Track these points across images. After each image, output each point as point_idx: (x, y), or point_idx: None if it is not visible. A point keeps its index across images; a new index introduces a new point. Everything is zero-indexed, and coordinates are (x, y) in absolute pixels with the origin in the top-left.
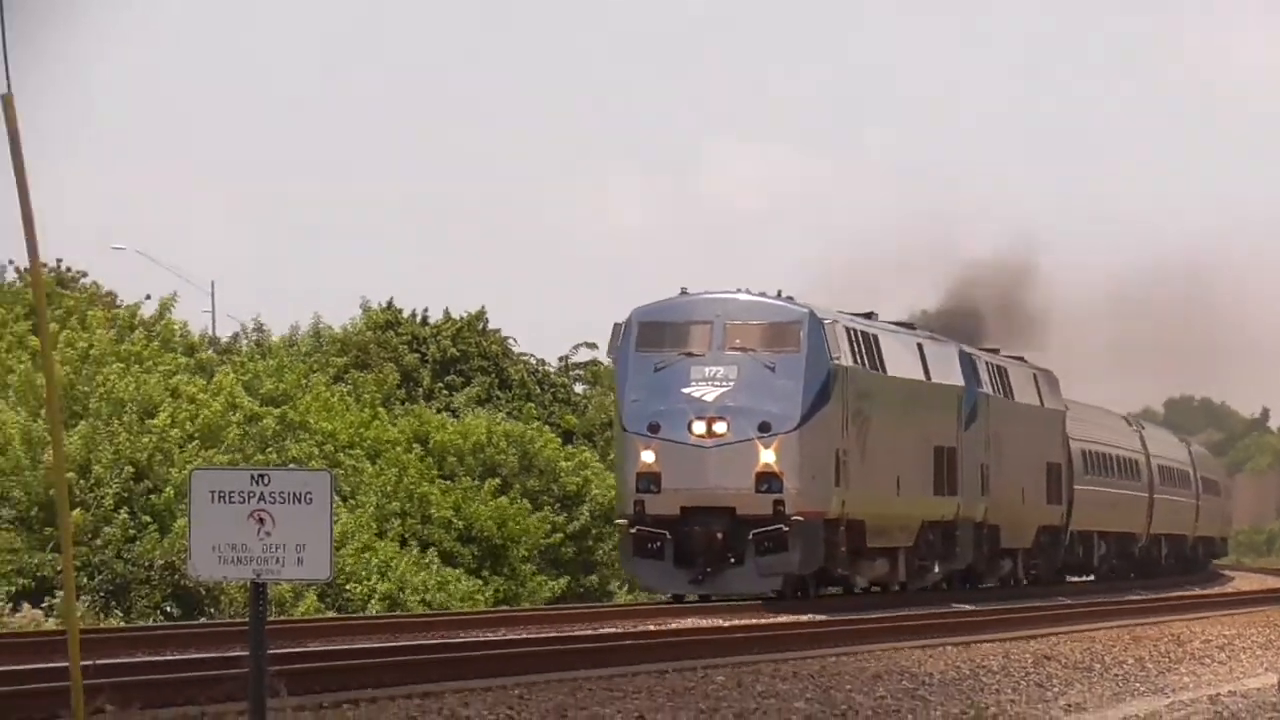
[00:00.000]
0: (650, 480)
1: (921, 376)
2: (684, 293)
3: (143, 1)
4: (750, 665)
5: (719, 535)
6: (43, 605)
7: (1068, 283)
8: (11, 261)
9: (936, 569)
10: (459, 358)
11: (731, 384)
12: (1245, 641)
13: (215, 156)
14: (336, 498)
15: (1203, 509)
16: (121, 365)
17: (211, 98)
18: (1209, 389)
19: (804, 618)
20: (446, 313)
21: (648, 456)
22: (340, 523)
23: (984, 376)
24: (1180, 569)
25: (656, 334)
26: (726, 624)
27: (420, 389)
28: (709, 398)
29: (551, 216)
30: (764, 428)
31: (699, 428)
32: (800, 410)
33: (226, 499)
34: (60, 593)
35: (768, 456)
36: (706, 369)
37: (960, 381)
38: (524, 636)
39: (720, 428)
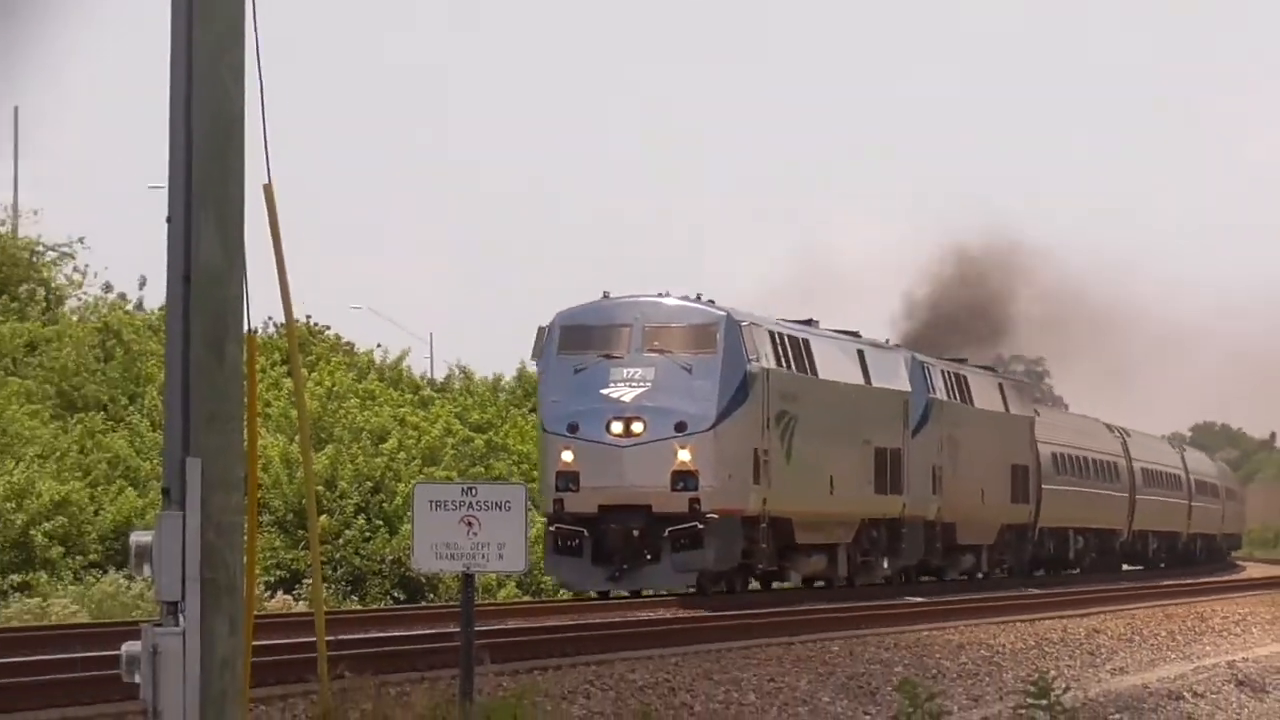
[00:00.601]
0: (569, 479)
1: (860, 381)
2: (606, 296)
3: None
4: (859, 638)
5: (635, 533)
6: (293, 592)
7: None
8: (270, 318)
9: (886, 564)
10: None
11: (649, 385)
12: (1256, 618)
13: (435, 236)
14: (530, 506)
15: (1196, 509)
16: (359, 400)
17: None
18: (1227, 416)
19: (900, 600)
20: None
21: (566, 456)
22: (535, 527)
23: (937, 383)
24: (1171, 562)
25: (577, 337)
26: (843, 605)
27: None
28: (627, 398)
29: None
30: (680, 427)
31: (617, 427)
32: (716, 410)
33: (443, 507)
34: (308, 582)
35: (684, 455)
36: (625, 370)
37: (907, 387)
38: (674, 616)
39: (637, 427)
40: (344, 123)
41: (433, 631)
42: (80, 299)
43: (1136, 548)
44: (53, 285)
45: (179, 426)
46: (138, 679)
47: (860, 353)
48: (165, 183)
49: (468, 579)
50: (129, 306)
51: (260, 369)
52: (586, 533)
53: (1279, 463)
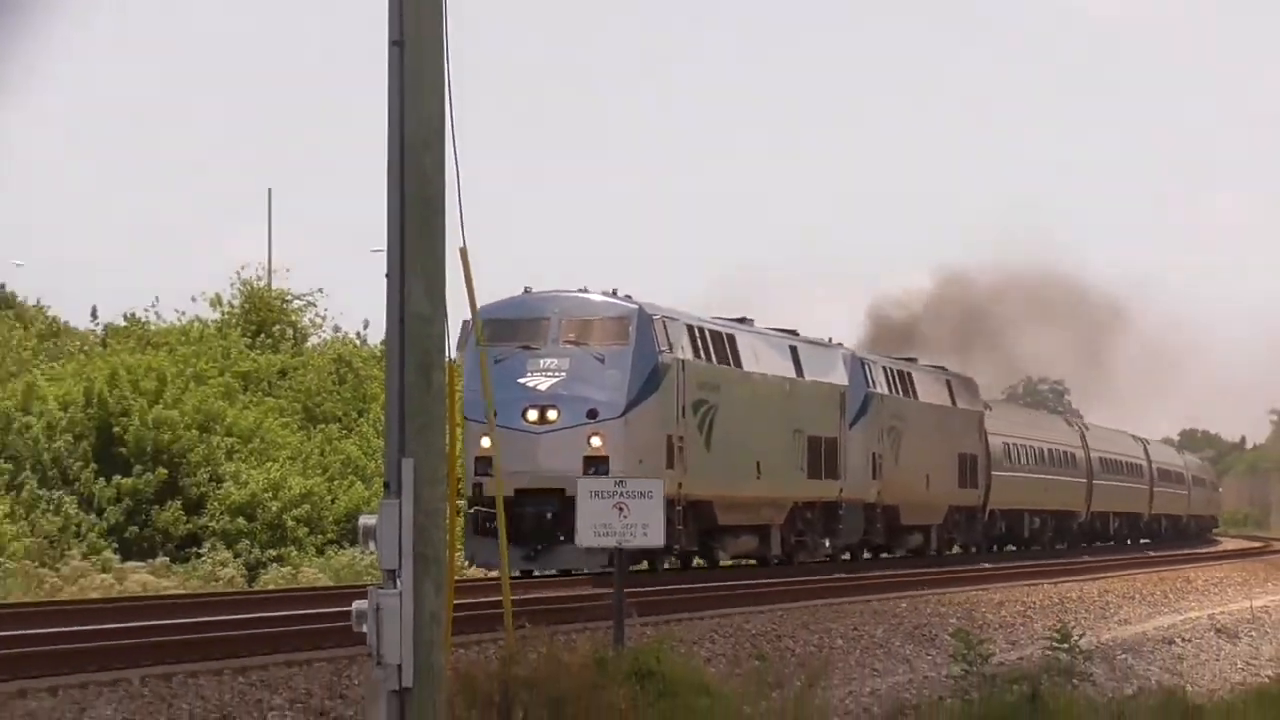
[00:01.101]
0: (487, 464)
1: (792, 374)
2: (527, 291)
3: None
4: (921, 597)
5: (550, 515)
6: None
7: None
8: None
9: (828, 544)
10: None
11: (564, 375)
12: (1230, 581)
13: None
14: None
15: (1158, 494)
16: None
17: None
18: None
19: (952, 568)
20: None
21: (485, 442)
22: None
23: (878, 379)
24: (1134, 538)
25: (498, 330)
26: (907, 571)
27: None
28: (542, 387)
29: None
30: (592, 414)
31: (532, 415)
32: (626, 398)
33: (600, 496)
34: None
35: (595, 441)
36: (542, 361)
37: (844, 381)
38: (777, 580)
39: (552, 415)
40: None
41: (592, 592)
42: (320, 336)
43: (1096, 526)
44: (299, 326)
45: (396, 435)
46: (365, 629)
47: (793, 349)
48: (384, 247)
49: (620, 551)
50: (357, 342)
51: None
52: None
53: (1249, 460)
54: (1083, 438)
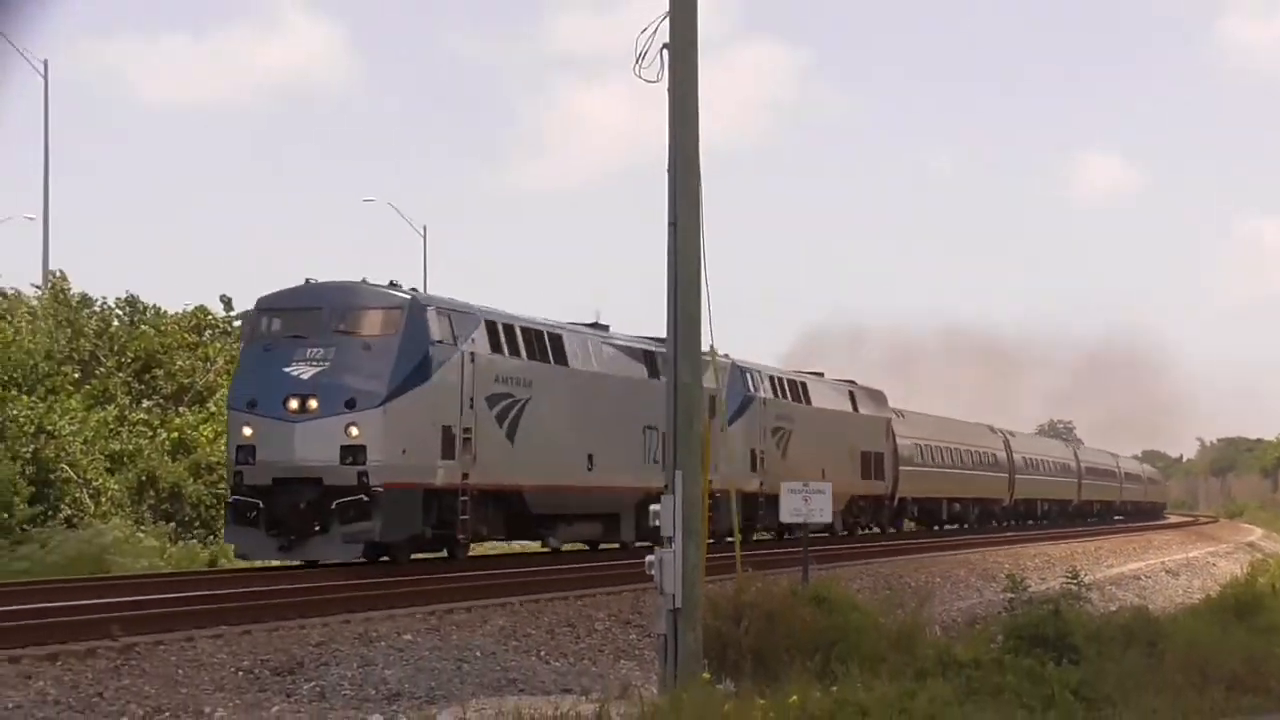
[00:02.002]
0: (248, 453)
1: (644, 376)
2: (307, 282)
3: None
4: (982, 552)
5: (306, 504)
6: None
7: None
8: None
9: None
10: None
11: (328, 364)
12: (1175, 541)
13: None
14: None
15: (1086, 485)
16: None
17: None
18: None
19: (1003, 534)
20: None
21: (246, 430)
22: None
23: (761, 385)
24: (1066, 521)
25: (272, 319)
26: (973, 536)
27: None
28: (305, 376)
29: None
30: (350, 404)
31: (293, 404)
32: (387, 388)
33: (794, 491)
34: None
35: (353, 431)
36: (309, 350)
37: (712, 384)
38: (894, 542)
39: (312, 404)
40: None
41: (785, 551)
42: None
43: (1020, 510)
44: None
45: (672, 457)
46: (653, 573)
47: (648, 354)
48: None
49: (805, 526)
50: None
51: None
52: (262, 504)
53: (1184, 469)
54: (1006, 443)
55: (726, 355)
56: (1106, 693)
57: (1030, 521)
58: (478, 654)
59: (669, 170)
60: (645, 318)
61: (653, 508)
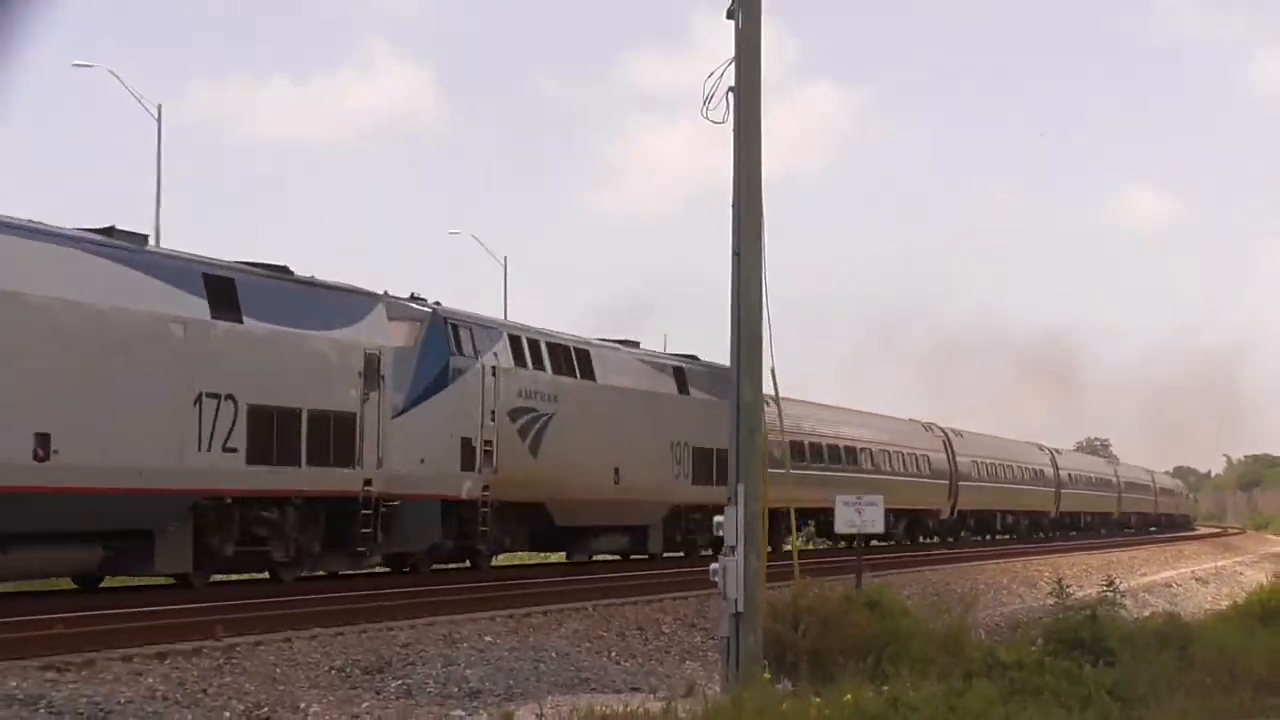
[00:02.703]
0: None
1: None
2: None
3: None
4: (1026, 562)
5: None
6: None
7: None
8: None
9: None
10: None
11: None
12: (1204, 551)
13: None
14: None
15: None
16: None
17: None
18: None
19: (1043, 544)
20: None
21: None
22: None
23: (477, 346)
24: (1105, 532)
25: None
26: (1016, 546)
27: None
28: None
29: None
30: None
31: None
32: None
33: (847, 504)
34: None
35: None
36: None
37: (371, 338)
38: (948, 551)
39: None
40: None
41: (839, 560)
42: None
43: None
44: None
45: (734, 472)
46: (717, 579)
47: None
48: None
49: (858, 537)
50: None
51: None
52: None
53: (1214, 484)
54: (1053, 460)
55: (427, 301)
56: (1140, 693)
57: (1073, 533)
58: (553, 655)
59: (734, 205)
60: (704, 336)
61: (716, 519)
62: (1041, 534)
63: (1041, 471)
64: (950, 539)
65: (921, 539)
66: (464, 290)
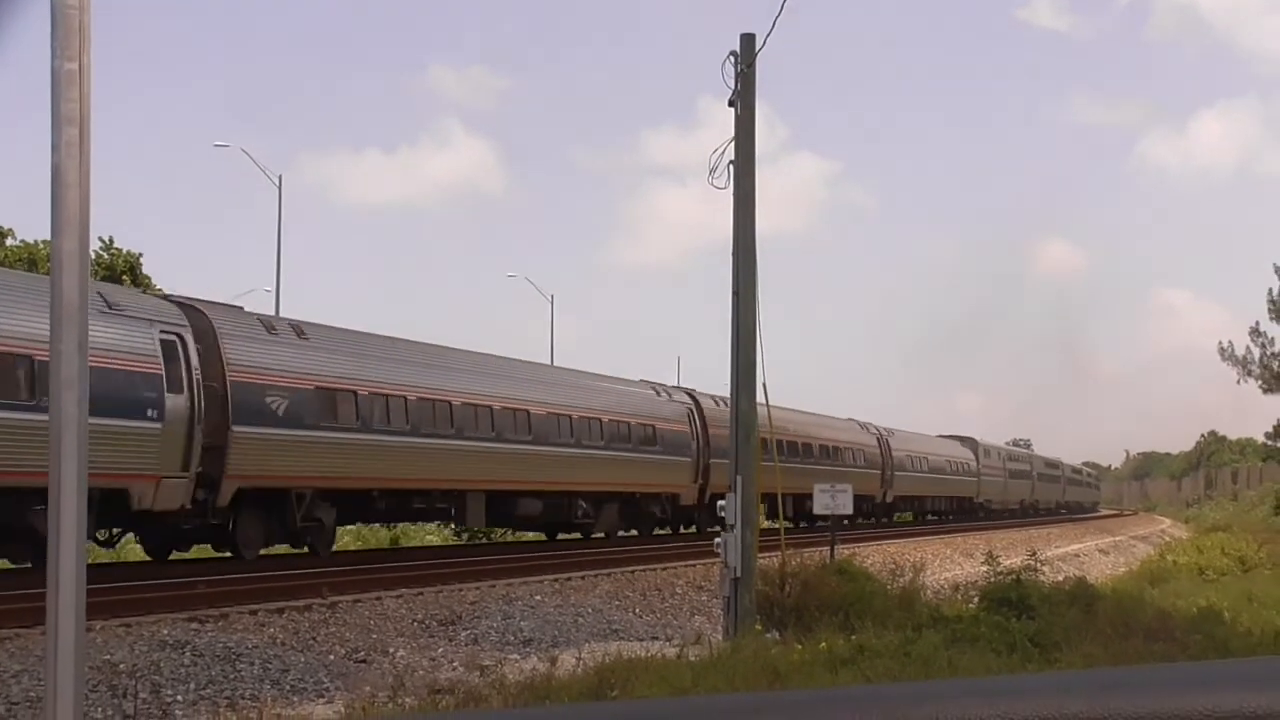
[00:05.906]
0: None
1: None
2: None
3: None
4: (965, 535)
5: None
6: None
7: None
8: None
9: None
10: None
11: None
12: (1106, 529)
13: None
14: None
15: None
16: None
17: None
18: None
19: (979, 522)
20: None
21: None
22: None
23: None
24: (1023, 514)
25: None
26: (955, 524)
27: None
28: None
29: None
30: None
31: None
32: None
33: (824, 491)
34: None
35: None
36: None
37: None
38: (896, 528)
39: None
40: None
41: (817, 535)
42: None
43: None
44: None
45: (734, 465)
46: (719, 551)
47: None
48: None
49: (832, 516)
50: None
51: None
52: None
53: (1114, 475)
54: (975, 453)
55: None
56: (1055, 640)
57: (986, 516)
58: (589, 611)
59: (733, 254)
60: (713, 367)
61: (720, 502)
62: (951, 516)
63: (966, 464)
64: (884, 520)
65: (859, 520)
66: (513, 327)
